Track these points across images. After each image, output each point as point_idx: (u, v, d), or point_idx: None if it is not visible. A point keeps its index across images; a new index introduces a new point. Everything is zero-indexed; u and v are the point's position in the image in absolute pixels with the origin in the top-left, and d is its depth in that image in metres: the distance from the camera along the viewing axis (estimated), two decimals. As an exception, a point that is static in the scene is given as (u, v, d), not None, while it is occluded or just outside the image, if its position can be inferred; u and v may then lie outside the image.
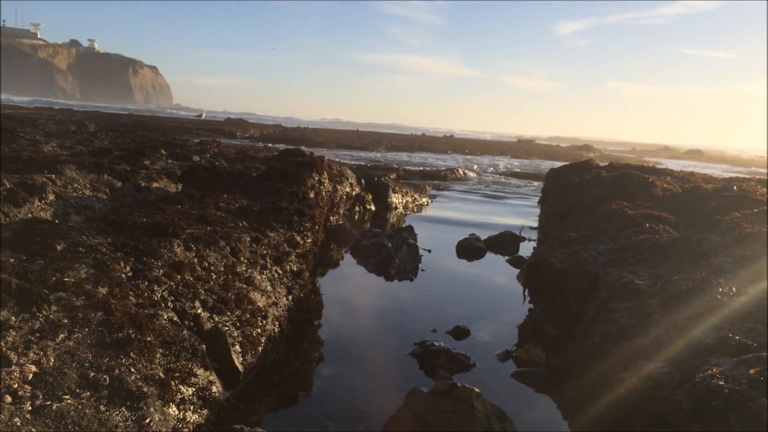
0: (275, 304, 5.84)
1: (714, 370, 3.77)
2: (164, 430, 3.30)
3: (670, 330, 4.77)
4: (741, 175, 15.10)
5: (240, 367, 4.65)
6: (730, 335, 4.32)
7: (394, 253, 9.97)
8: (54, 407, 2.85)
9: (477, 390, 3.95)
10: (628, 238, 7.41)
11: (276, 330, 5.60)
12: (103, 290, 3.95)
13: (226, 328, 4.77)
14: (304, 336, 6.25)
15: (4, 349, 3.01)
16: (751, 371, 3.67)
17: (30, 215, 6.10)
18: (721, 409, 3.42)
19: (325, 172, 9.58)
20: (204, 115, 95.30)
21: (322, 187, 9.21)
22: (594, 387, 4.91)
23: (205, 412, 3.85)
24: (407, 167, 28.25)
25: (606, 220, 8.68)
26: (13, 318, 3.23)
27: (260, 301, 5.53)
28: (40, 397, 2.88)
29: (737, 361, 3.92)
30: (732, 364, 3.89)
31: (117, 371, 3.30)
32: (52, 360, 3.13)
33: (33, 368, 2.99)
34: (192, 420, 3.68)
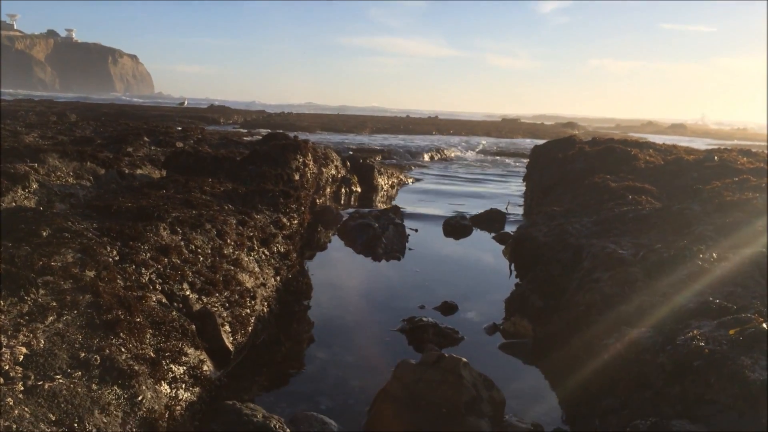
0: (263, 285, 5.88)
1: (695, 332, 3.86)
2: (157, 407, 3.34)
3: (653, 297, 4.86)
4: (723, 147, 15.23)
5: (230, 346, 4.69)
6: (711, 299, 4.42)
7: (381, 234, 10.02)
8: (46, 387, 2.88)
9: (464, 360, 4.02)
10: (611, 210, 7.50)
11: (265, 310, 5.64)
12: (91, 273, 3.96)
13: (215, 309, 4.80)
14: (294, 316, 6.30)
15: (-6, 332, 3.02)
16: (731, 332, 3.77)
17: (14, 204, 6.08)
18: (701, 369, 3.51)
19: (309, 155, 9.58)
20: (186, 103, 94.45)
21: (306, 169, 9.22)
22: (579, 355, 5.00)
23: (197, 390, 3.89)
24: (392, 149, 28.23)
25: (589, 194, 8.76)
26: (1, 302, 3.25)
27: (248, 282, 5.56)
28: (32, 377, 2.91)
29: (718, 323, 4.01)
30: (713, 327, 3.98)
31: (107, 351, 3.33)
32: (42, 342, 3.15)
33: (23, 350, 3.02)
34: (184, 398, 3.72)
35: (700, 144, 44.60)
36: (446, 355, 4.04)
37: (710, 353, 3.55)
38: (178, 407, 3.62)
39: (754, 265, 5.02)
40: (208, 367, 4.21)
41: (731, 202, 6.71)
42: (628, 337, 4.34)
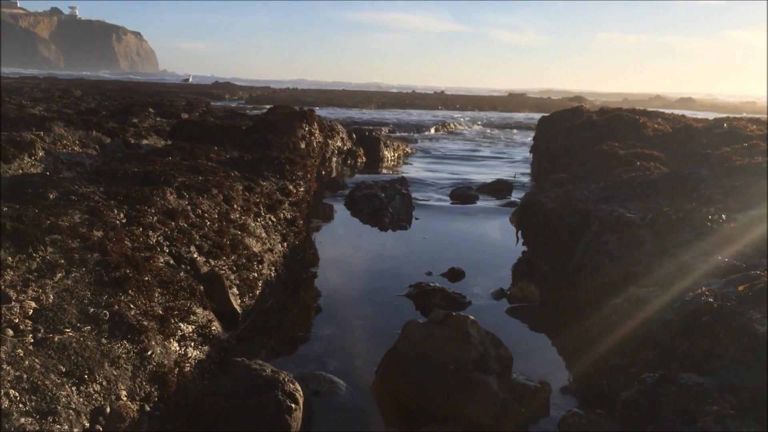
0: (270, 250, 5.88)
1: (704, 289, 3.85)
2: (166, 362, 3.36)
3: (661, 257, 4.85)
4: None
5: (238, 308, 4.70)
6: (720, 258, 4.40)
7: (387, 203, 10.00)
8: (56, 339, 2.90)
9: (472, 318, 4.02)
10: (619, 176, 7.45)
11: (272, 275, 5.65)
12: (99, 233, 3.97)
13: (223, 272, 4.81)
14: (301, 282, 6.31)
15: (3, 287, 3.04)
16: (740, 288, 3.75)
17: (20, 171, 6.08)
18: (710, 324, 3.50)
19: (315, 123, 9.53)
20: (191, 79, 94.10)
21: (312, 137, 9.17)
22: (587, 317, 5.00)
23: (206, 348, 3.91)
24: (398, 122, 28.10)
25: (597, 161, 8.71)
26: (9, 258, 3.26)
27: (255, 246, 5.57)
28: (42, 330, 2.93)
29: (727, 280, 4.00)
30: (721, 284, 3.96)
31: (116, 307, 3.34)
32: (51, 297, 3.16)
33: (33, 304, 3.03)
34: (193, 356, 3.74)
35: (710, 117, 44.16)
36: (454, 313, 4.04)
37: (719, 308, 3.54)
38: (188, 365, 3.64)
39: (764, 225, 4.98)
40: (216, 327, 4.23)
41: (740, 165, 6.65)
42: (635, 295, 4.34)
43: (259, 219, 6.10)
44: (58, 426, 2.57)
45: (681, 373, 3.23)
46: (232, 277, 4.90)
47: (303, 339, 5.14)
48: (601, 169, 8.28)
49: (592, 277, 5.24)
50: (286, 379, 3.21)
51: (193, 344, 3.81)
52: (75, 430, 2.65)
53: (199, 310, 4.08)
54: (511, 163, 17.45)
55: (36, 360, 2.74)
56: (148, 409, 3.11)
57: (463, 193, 11.41)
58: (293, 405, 3.07)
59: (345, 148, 14.62)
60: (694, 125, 10.17)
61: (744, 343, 3.29)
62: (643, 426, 3.14)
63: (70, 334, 2.99)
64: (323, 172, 11.85)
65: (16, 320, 2.89)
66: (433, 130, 26.91)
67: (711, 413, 2.86)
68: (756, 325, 3.30)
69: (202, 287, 4.33)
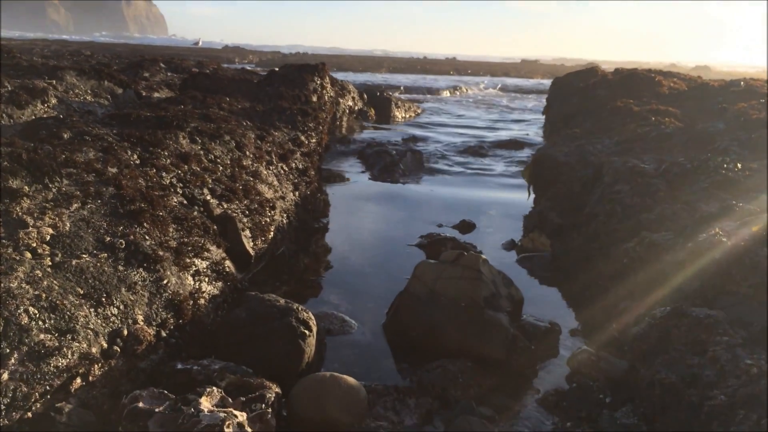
0: (282, 198, 5.90)
1: (717, 230, 3.84)
2: (182, 292, 3.40)
3: (674, 204, 4.82)
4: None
5: (251, 251, 4.74)
6: (734, 203, 4.37)
7: (398, 160, 9.99)
8: (73, 263, 2.94)
9: (484, 257, 4.04)
10: (634, 131, 7.39)
11: (284, 222, 5.68)
12: (113, 170, 3.99)
13: (235, 215, 4.83)
14: (313, 231, 6.34)
15: (20, 213, 3.07)
16: (754, 229, 3.74)
17: (33, 117, 6.10)
18: (722, 262, 3.50)
19: (327, 77, 9.47)
20: (201, 43, 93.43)
21: (324, 91, 9.12)
22: (597, 263, 5.01)
23: (219, 284, 3.96)
24: (410, 86, 27.88)
25: (611, 118, 8.62)
26: (26, 187, 3.29)
27: (267, 193, 5.59)
28: (59, 255, 2.97)
29: (740, 223, 3.98)
30: (735, 226, 3.95)
31: (132, 237, 3.38)
32: (68, 225, 3.20)
33: (50, 230, 3.07)
34: (208, 290, 3.78)
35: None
36: (465, 252, 4.06)
37: (732, 247, 3.53)
38: (202, 299, 3.69)
39: (779, 174, 4.94)
40: (229, 266, 4.27)
41: (757, 119, 6.57)
42: (647, 239, 4.33)
43: (271, 167, 6.11)
44: (77, 344, 2.63)
45: (692, 308, 3.24)
46: (245, 220, 4.93)
47: (315, 283, 5.18)
48: (615, 126, 8.20)
49: (604, 225, 5.23)
50: (299, 308, 3.25)
51: (207, 279, 3.85)
52: (93, 349, 2.70)
53: (213, 248, 4.12)
54: (524, 124, 17.32)
55: (54, 281, 2.78)
56: (165, 335, 3.16)
57: (476, 151, 11.37)
58: (307, 331, 3.11)
59: (356, 108, 14.54)
60: (710, 84, 10.03)
61: (756, 279, 3.29)
62: (651, 358, 3.16)
63: (87, 259, 3.03)
64: (335, 131, 11.82)
65: (34, 244, 2.93)
66: (445, 93, 26.69)
67: (721, 343, 2.87)
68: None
69: (215, 227, 4.37)
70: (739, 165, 5.16)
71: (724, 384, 2.60)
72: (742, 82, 9.80)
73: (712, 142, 6.25)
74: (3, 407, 2.30)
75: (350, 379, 2.92)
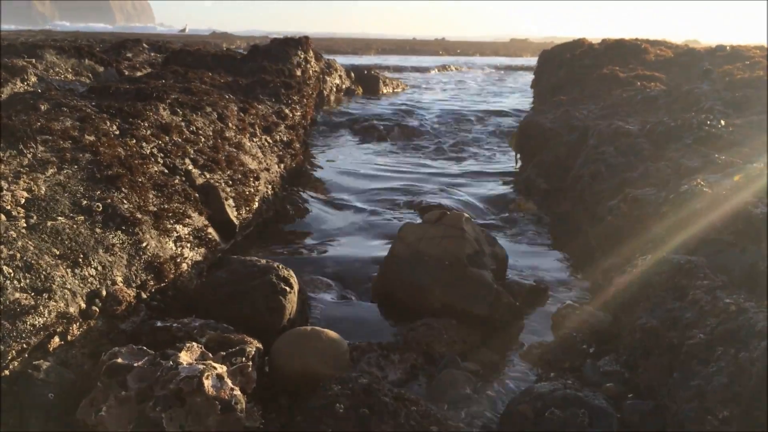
0: (267, 170, 5.86)
1: (698, 180, 3.83)
2: (162, 255, 3.38)
3: (658, 162, 4.81)
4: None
5: (235, 220, 4.70)
6: (716, 156, 4.37)
7: (386, 135, 9.96)
8: (49, 224, 2.91)
9: (467, 215, 4.03)
10: (620, 96, 7.37)
11: (269, 193, 5.64)
12: (91, 137, 3.95)
13: (218, 185, 4.79)
14: (298, 201, 6.31)
15: (-6, 177, 3.03)
16: (736, 178, 3.74)
17: (13, 94, 6.03)
18: (704, 210, 3.49)
19: (311, 51, 9.39)
20: (187, 29, 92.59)
21: (308, 65, 9.05)
22: (582, 221, 5.01)
23: (202, 250, 3.93)
24: (399, 65, 27.75)
25: (597, 85, 8.60)
26: (0, 153, 3.25)
27: (251, 164, 5.55)
28: (34, 217, 2.94)
29: (722, 174, 3.98)
30: (718, 177, 3.95)
31: (109, 201, 3.35)
32: (44, 189, 3.17)
33: (25, 194, 3.03)
34: (189, 256, 3.76)
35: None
36: (448, 212, 4.05)
37: (713, 195, 3.53)
38: (184, 264, 3.66)
39: (762, 130, 4.93)
40: (212, 234, 4.24)
41: (742, 79, 6.56)
42: (630, 196, 4.33)
43: (254, 139, 6.07)
44: (54, 303, 2.60)
45: (673, 255, 3.24)
46: (228, 190, 4.89)
47: (300, 247, 5.16)
48: (601, 92, 8.18)
49: (590, 186, 5.22)
50: (280, 266, 3.24)
51: (189, 245, 3.83)
52: (71, 309, 2.68)
53: (195, 215, 4.09)
54: (512, 97, 17.30)
55: (29, 242, 2.76)
56: (145, 296, 3.15)
57: (464, 117, 11.40)
58: (287, 288, 3.10)
59: (344, 86, 14.47)
60: (696, 49, 10.00)
61: (738, 226, 3.28)
62: (633, 306, 3.17)
63: (63, 221, 3.00)
64: (321, 108, 11.75)
65: (8, 207, 2.90)
66: (433, 72, 26.59)
67: (702, 287, 2.87)
68: (750, 207, 3.29)
69: (197, 194, 4.33)
70: (722, 122, 5.15)
71: (704, 323, 2.60)
72: (728, 47, 9.78)
73: (697, 102, 6.23)
74: (-21, 365, 2.29)
75: (332, 333, 2.91)
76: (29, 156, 3.37)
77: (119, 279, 3.01)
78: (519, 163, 7.80)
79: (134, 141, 4.50)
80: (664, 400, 2.52)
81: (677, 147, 4.91)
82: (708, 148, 4.72)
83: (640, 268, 3.29)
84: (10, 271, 2.55)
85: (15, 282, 2.54)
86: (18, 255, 2.63)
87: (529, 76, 23.28)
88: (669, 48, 11.46)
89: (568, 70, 11.29)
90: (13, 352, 2.41)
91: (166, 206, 3.85)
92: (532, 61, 38.10)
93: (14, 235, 2.73)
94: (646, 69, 8.95)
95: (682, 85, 7.11)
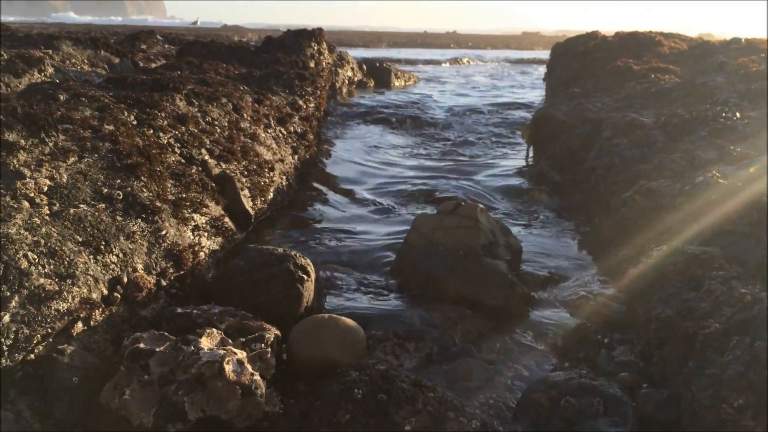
0: (281, 160, 5.90)
1: (714, 173, 3.83)
2: (181, 243, 3.43)
3: (673, 154, 4.81)
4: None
5: (250, 210, 4.75)
6: (732, 148, 4.36)
7: (399, 126, 9.97)
8: (71, 212, 2.96)
9: (481, 206, 4.05)
10: (634, 88, 7.34)
11: (284, 184, 5.68)
12: (110, 127, 3.99)
13: (234, 175, 4.84)
14: (313, 192, 6.35)
15: (17, 165, 3.08)
16: (751, 170, 3.73)
17: (31, 85, 6.09)
18: (719, 202, 3.50)
19: (324, 43, 9.41)
20: (199, 22, 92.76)
21: (322, 57, 9.07)
22: (596, 212, 5.02)
23: (219, 239, 3.98)
24: (410, 58, 27.69)
25: (611, 77, 8.56)
26: (22, 141, 3.30)
27: (266, 155, 5.59)
28: (57, 205, 2.99)
29: (737, 166, 3.98)
30: (732, 169, 3.95)
31: (129, 189, 3.40)
32: (65, 177, 3.21)
33: (47, 182, 3.08)
34: (207, 245, 3.80)
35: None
36: (463, 202, 4.07)
37: (728, 186, 3.53)
38: (202, 253, 3.71)
39: (779, 122, 4.91)
40: (229, 223, 4.29)
41: (757, 71, 6.52)
42: (645, 187, 4.33)
43: (269, 130, 6.10)
44: (77, 289, 2.65)
45: (688, 246, 3.25)
46: (244, 180, 4.93)
47: (315, 239, 5.19)
48: (615, 85, 8.14)
49: (603, 178, 5.22)
50: (297, 255, 3.27)
51: (206, 234, 3.87)
52: (94, 294, 2.73)
53: (212, 204, 4.14)
54: (524, 90, 17.25)
55: (53, 229, 2.81)
56: (165, 284, 3.19)
57: (477, 110, 11.42)
58: (305, 276, 3.14)
59: (356, 78, 14.49)
60: (711, 42, 9.93)
61: (753, 217, 3.29)
62: (648, 297, 3.18)
63: (85, 209, 3.05)
64: (333, 100, 11.77)
65: (32, 194, 2.95)
66: (445, 65, 26.52)
67: (717, 277, 2.89)
68: (765, 198, 3.29)
69: (213, 184, 4.38)
70: (738, 114, 5.13)
71: (719, 313, 2.61)
72: (743, 39, 9.70)
73: (711, 95, 6.20)
74: (5, 348, 2.34)
75: (349, 320, 2.95)
76: (51, 144, 3.42)
77: (140, 266, 3.06)
78: (532, 155, 7.79)
79: (152, 131, 4.54)
80: (679, 389, 2.54)
81: (692, 139, 4.90)
82: (723, 140, 4.71)
83: (655, 258, 3.31)
84: (35, 257, 2.60)
85: (39, 267, 2.59)
86: (42, 241, 2.68)
87: (541, 69, 23.22)
88: (683, 41, 11.39)
89: (582, 63, 11.25)
90: (38, 336, 2.46)
91: (184, 195, 3.90)
92: (544, 54, 37.93)
93: (38, 222, 2.78)
94: (660, 61, 8.90)
95: (697, 78, 7.08)
